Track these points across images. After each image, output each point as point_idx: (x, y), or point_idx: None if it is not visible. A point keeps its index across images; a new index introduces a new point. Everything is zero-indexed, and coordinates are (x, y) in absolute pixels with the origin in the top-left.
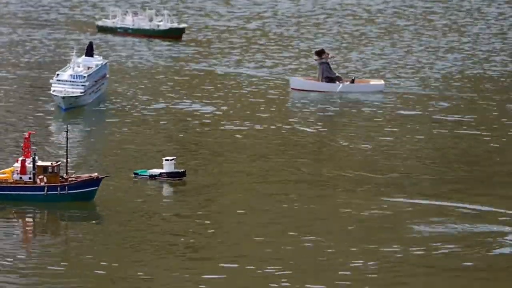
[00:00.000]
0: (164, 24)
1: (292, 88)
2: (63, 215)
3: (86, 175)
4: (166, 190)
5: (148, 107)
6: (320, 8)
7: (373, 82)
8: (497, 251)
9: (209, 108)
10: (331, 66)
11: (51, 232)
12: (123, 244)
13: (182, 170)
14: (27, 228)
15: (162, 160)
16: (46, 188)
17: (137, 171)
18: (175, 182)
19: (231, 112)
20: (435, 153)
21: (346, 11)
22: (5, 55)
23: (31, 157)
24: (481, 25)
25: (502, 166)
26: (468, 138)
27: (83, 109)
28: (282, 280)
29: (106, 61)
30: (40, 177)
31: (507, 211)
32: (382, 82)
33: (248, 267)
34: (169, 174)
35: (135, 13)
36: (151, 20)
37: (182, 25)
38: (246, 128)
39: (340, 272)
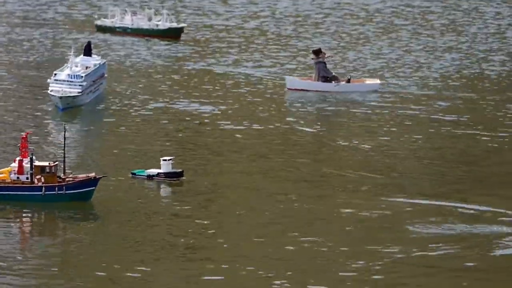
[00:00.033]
0: (163, 23)
1: (288, 88)
2: (61, 215)
3: (84, 175)
4: (164, 190)
5: (147, 106)
6: (318, 8)
7: (369, 81)
8: (497, 251)
9: (208, 108)
10: (329, 65)
11: (48, 232)
12: (122, 244)
13: (180, 170)
14: (24, 228)
15: (160, 160)
16: (43, 188)
17: (135, 171)
18: (173, 182)
19: (230, 111)
20: (434, 153)
21: (344, 10)
22: (3, 55)
23: (29, 157)
24: (479, 25)
25: (501, 166)
26: (466, 137)
27: (80, 109)
28: (282, 280)
29: (105, 60)
30: (37, 177)
31: (507, 211)
32: (377, 81)
33: (248, 267)
34: (167, 174)
35: (134, 13)
36: (150, 19)
37: (181, 25)
38: (244, 127)
39: (339, 273)
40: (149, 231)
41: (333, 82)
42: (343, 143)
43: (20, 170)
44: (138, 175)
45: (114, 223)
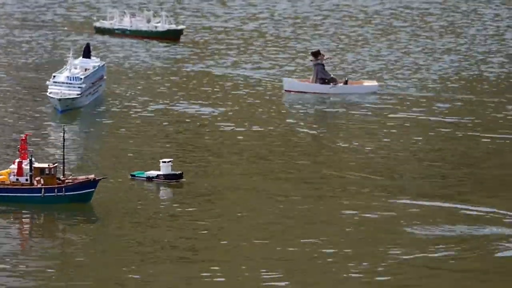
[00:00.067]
0: (162, 25)
1: (285, 90)
2: (60, 217)
3: (83, 176)
4: (164, 192)
5: (146, 108)
6: (317, 9)
7: (367, 83)
8: (498, 253)
9: (207, 110)
10: (327, 67)
11: (48, 234)
12: (121, 245)
13: (179, 172)
14: (24, 230)
15: (160, 162)
16: (43, 190)
17: (134, 173)
18: (173, 184)
19: (229, 113)
20: (434, 155)
21: (342, 12)
22: (2, 56)
23: (28, 159)
24: (477, 27)
25: (501, 167)
26: (467, 139)
27: (80, 111)
28: (283, 281)
29: (104, 62)
30: (37, 179)
31: (508, 213)
32: (375, 83)
33: (248, 268)
34: (166, 176)
35: (133, 15)
36: (149, 21)
37: (180, 27)
38: (244, 129)
39: (340, 274)
40: (149, 232)
41: (331, 84)
42: (343, 145)
43: (20, 172)
44: (137, 176)
45: (113, 225)
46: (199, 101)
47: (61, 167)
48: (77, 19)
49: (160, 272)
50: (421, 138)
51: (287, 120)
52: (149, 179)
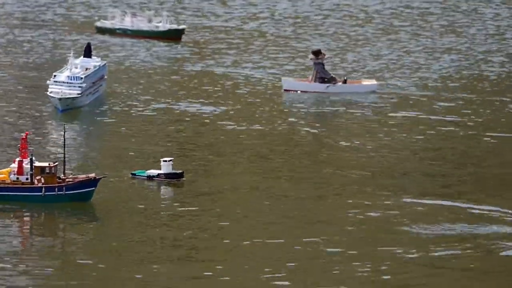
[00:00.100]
0: (163, 25)
1: (284, 90)
2: (61, 216)
3: (84, 175)
4: (165, 191)
5: (147, 107)
6: (317, 9)
7: (366, 82)
8: (499, 252)
9: (208, 109)
10: (327, 66)
11: (48, 232)
12: (122, 244)
13: (180, 171)
14: (24, 229)
15: (160, 161)
16: (43, 188)
17: (135, 172)
18: (173, 183)
19: (230, 112)
20: (435, 154)
21: (343, 11)
22: (2, 56)
23: (29, 158)
24: (478, 26)
25: (501, 166)
26: (467, 138)
27: (80, 110)
28: (283, 280)
29: (105, 62)
30: (37, 177)
31: (508, 211)
32: (374, 82)
33: (249, 268)
34: (167, 175)
35: (134, 14)
36: (149, 21)
37: (181, 27)
38: (245, 128)
39: (340, 273)
40: (149, 232)
41: (331, 83)
42: (344, 144)
43: (20, 170)
44: (138, 175)
45: (114, 224)
46: (200, 100)
47: (62, 166)
48: (78, 19)
49: (160, 271)
50: (421, 137)
51: (288, 119)
52: (150, 178)
